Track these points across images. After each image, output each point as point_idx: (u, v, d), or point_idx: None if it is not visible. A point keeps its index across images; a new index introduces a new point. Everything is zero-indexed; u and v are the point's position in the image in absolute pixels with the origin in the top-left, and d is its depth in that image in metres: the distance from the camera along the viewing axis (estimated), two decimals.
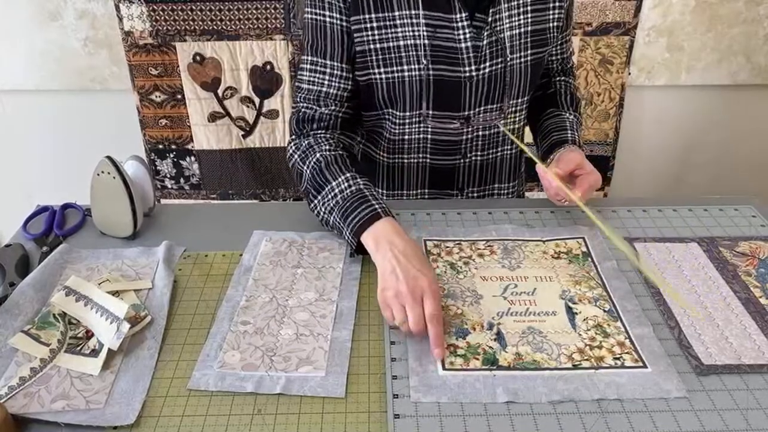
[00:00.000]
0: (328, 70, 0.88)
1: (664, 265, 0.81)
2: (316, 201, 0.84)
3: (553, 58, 1.02)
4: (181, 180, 1.80)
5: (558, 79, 1.06)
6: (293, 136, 0.92)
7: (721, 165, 1.85)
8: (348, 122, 0.94)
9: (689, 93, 1.74)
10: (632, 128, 1.79)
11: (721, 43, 1.65)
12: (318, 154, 0.85)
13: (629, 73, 1.69)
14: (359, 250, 0.79)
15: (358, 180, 0.82)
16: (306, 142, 0.89)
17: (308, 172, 0.86)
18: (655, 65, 1.68)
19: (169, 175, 1.79)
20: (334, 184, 0.82)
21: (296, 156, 0.89)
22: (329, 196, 0.82)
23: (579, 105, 1.06)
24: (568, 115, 1.01)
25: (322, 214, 0.84)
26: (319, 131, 0.90)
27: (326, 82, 0.89)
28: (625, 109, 1.75)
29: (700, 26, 1.63)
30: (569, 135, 0.96)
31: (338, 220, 0.80)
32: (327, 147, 0.87)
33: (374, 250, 0.75)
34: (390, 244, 0.73)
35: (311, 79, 0.89)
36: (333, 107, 0.90)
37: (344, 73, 0.88)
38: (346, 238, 0.80)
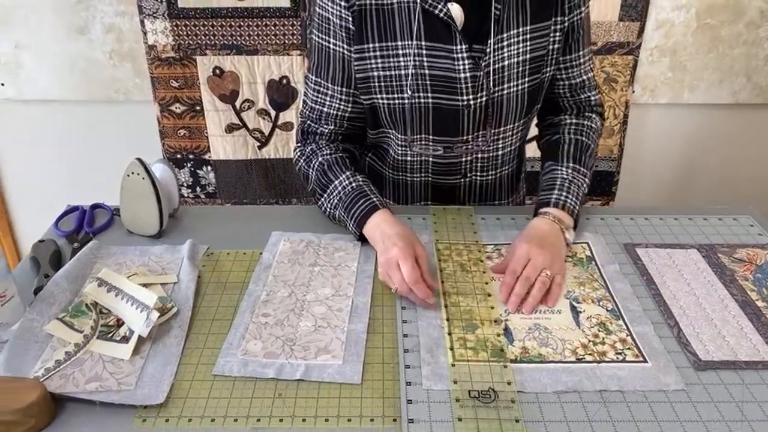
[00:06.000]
0: (329, 92, 0.95)
1: (664, 269, 0.84)
2: (322, 199, 0.95)
3: (560, 83, 0.98)
4: (198, 189, 1.86)
5: (568, 122, 1.00)
6: (298, 143, 1.02)
7: (722, 182, 1.88)
8: (350, 137, 1.01)
9: (691, 111, 1.79)
10: (636, 145, 1.83)
11: (723, 64, 1.70)
12: (320, 158, 0.96)
13: (633, 92, 1.74)
14: (361, 238, 0.90)
15: (357, 177, 0.93)
16: (309, 148, 0.98)
17: (313, 174, 0.96)
18: (658, 84, 1.73)
19: (186, 184, 1.85)
20: (336, 182, 0.93)
21: (302, 161, 0.99)
22: (334, 194, 0.92)
23: (586, 151, 0.97)
24: (563, 170, 0.94)
25: (329, 209, 0.94)
26: (321, 141, 0.99)
27: (327, 103, 0.96)
28: (629, 126, 1.79)
29: (702, 47, 1.68)
30: (553, 196, 0.91)
31: (343, 213, 0.91)
32: (328, 151, 0.97)
33: (373, 239, 0.87)
34: (382, 233, 0.84)
35: (315, 98, 0.97)
36: (332, 126, 0.98)
37: (344, 97, 0.95)
38: (351, 228, 0.90)
